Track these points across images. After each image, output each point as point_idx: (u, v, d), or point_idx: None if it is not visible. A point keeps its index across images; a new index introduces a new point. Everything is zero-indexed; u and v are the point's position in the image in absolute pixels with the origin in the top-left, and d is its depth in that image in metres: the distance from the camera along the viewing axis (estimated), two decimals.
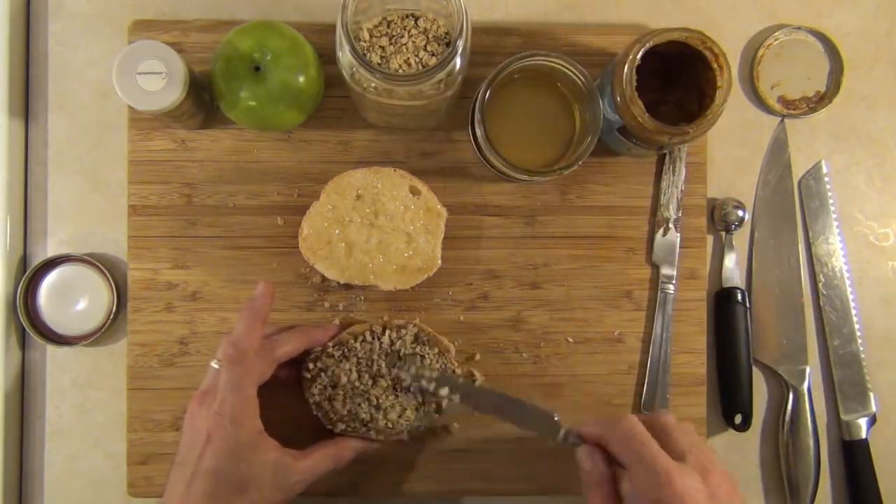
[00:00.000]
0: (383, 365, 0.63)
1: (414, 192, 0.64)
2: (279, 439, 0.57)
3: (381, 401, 0.62)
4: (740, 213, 0.69)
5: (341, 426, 0.62)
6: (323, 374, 0.62)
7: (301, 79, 0.60)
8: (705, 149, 0.69)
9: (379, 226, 0.64)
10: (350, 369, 0.62)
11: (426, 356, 0.63)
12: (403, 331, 0.64)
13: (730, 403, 0.68)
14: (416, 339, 0.64)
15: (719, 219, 0.69)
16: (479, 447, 0.67)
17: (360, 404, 0.62)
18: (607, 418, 0.53)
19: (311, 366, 0.63)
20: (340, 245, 0.64)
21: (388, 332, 0.64)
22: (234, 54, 0.59)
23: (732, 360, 0.68)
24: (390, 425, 0.62)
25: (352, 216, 0.64)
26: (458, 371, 0.65)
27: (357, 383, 0.62)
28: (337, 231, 0.64)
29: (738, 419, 0.68)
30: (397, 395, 0.63)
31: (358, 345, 0.63)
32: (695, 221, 0.68)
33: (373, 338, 0.63)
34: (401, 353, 0.63)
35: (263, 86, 0.59)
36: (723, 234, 0.70)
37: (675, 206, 0.68)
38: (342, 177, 0.64)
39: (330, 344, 0.63)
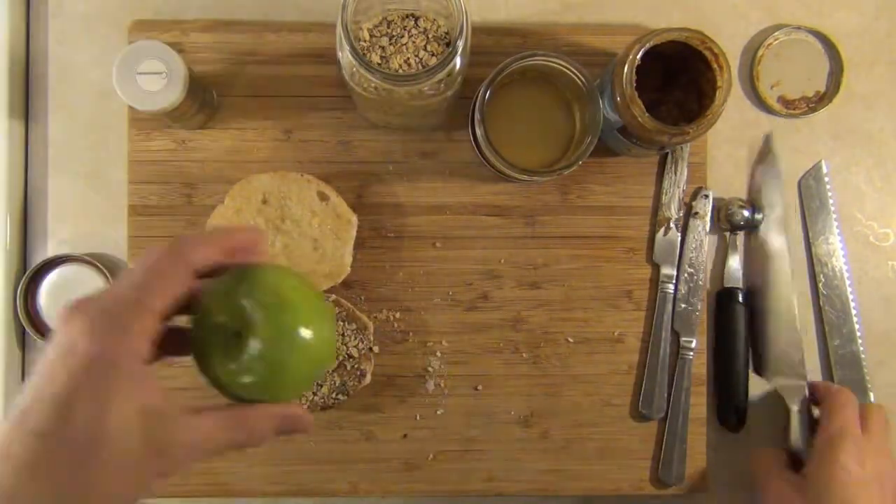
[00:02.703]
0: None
1: (322, 197, 0.64)
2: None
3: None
4: (746, 212, 0.69)
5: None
6: None
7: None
8: (705, 148, 0.69)
9: (285, 230, 0.63)
10: None
11: (345, 333, 0.63)
12: None
13: (724, 404, 0.68)
14: (335, 314, 0.63)
15: (724, 218, 0.69)
16: (479, 447, 0.67)
17: None
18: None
19: None
20: None
21: None
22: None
23: (729, 360, 0.68)
24: (304, 402, 0.63)
25: (257, 220, 0.63)
26: (376, 349, 0.65)
27: None
28: None
29: (732, 419, 0.68)
30: None
31: None
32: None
33: None
34: None
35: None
36: (727, 234, 0.70)
37: (677, 206, 0.68)
38: (248, 180, 0.63)
39: None
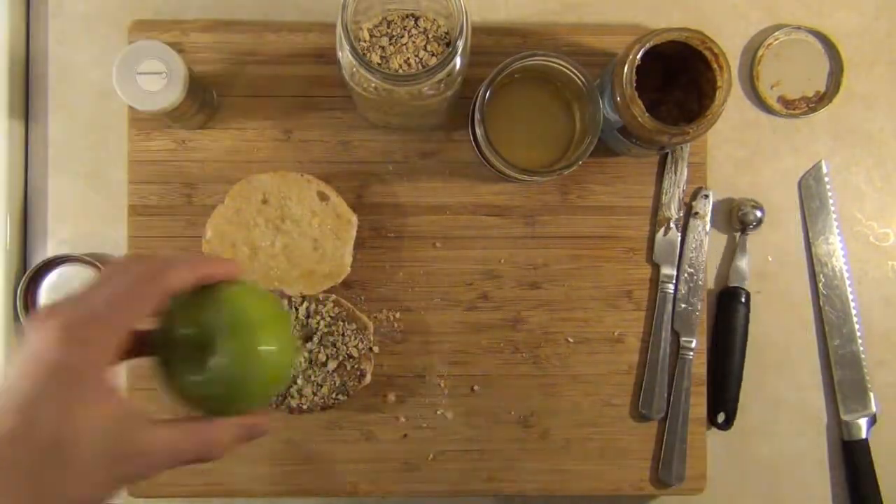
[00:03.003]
0: (297, 337, 0.63)
1: (322, 197, 0.63)
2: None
3: (296, 375, 0.63)
4: (758, 213, 0.68)
5: None
6: None
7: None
8: (705, 148, 0.69)
9: (285, 230, 0.63)
10: None
11: (345, 333, 0.63)
12: (321, 305, 0.63)
13: (715, 402, 0.68)
14: (335, 314, 0.64)
15: (736, 219, 0.69)
16: (479, 447, 0.67)
17: None
18: None
19: None
20: (244, 249, 0.63)
21: (305, 303, 0.63)
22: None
23: (725, 358, 0.68)
24: (304, 402, 0.63)
25: (257, 220, 0.63)
26: (376, 349, 0.66)
27: None
28: (241, 235, 0.63)
29: (720, 418, 0.68)
30: (315, 371, 0.63)
31: None
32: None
33: (290, 306, 0.63)
34: (316, 330, 0.63)
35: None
36: (737, 234, 0.69)
37: (677, 206, 0.68)
38: (248, 180, 0.63)
39: None
